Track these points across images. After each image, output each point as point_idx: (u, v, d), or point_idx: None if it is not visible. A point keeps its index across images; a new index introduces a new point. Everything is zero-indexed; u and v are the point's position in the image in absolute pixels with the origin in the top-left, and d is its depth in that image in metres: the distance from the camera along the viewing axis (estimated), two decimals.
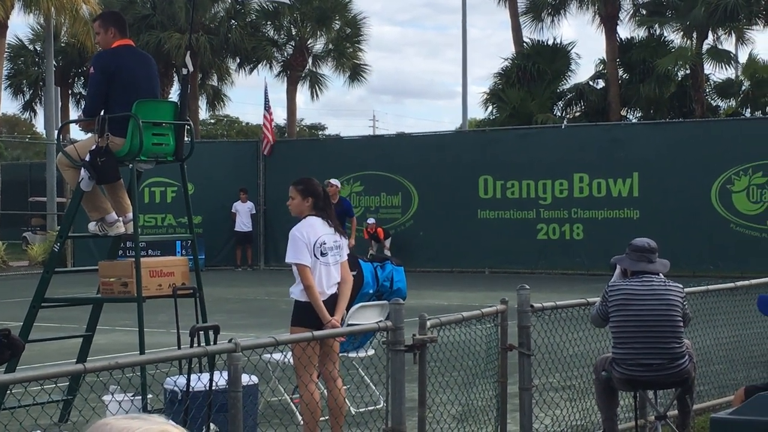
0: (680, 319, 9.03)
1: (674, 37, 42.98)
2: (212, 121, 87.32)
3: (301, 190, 9.74)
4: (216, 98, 51.62)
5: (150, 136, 10.26)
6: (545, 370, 9.92)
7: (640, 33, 43.83)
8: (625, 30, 53.17)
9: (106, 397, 8.82)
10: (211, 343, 8.52)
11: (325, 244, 9.43)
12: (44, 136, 48.81)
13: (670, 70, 41.65)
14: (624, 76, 43.66)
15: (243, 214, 34.05)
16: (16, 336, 8.71)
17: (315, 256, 9.37)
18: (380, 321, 9.81)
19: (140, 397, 9.37)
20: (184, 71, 10.92)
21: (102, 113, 10.19)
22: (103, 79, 10.24)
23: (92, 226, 10.61)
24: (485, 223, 32.01)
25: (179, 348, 9.39)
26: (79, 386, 10.21)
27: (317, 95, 48.41)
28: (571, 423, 9.98)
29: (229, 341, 6.56)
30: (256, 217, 34.49)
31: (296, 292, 9.44)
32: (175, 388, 8.60)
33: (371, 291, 11.78)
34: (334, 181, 23.20)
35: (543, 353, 9.49)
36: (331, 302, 9.44)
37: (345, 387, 10.12)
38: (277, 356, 10.23)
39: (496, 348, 8.90)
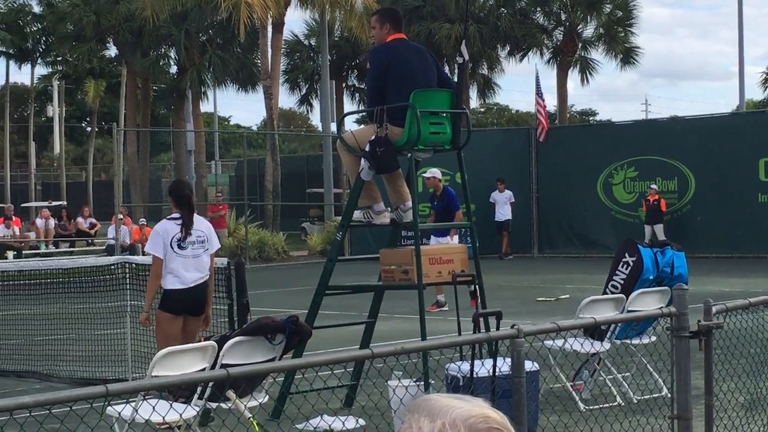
0: None
1: None
2: (482, 109, 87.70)
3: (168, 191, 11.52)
4: (486, 87, 51.79)
5: (427, 125, 10.39)
6: None
7: None
8: None
9: (392, 382, 9.00)
10: (493, 329, 8.56)
11: (184, 239, 10.67)
12: (320, 129, 50.14)
13: None
14: None
15: (500, 204, 33.93)
16: (303, 323, 9.03)
17: (172, 248, 10.62)
18: (662, 307, 9.64)
19: (423, 383, 9.50)
20: (460, 60, 11.01)
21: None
22: (380, 72, 10.45)
23: (358, 214, 10.82)
24: (766, 207, 30.95)
25: (460, 334, 9.49)
26: (367, 372, 10.45)
27: (588, 81, 47.99)
28: None
29: (512, 327, 6.57)
30: (515, 206, 34.15)
31: (163, 281, 10.76)
32: (458, 374, 8.69)
33: (651, 277, 11.59)
34: (432, 171, 20.04)
35: None
36: (193, 292, 10.69)
37: (626, 374, 10.00)
38: (559, 342, 10.18)
39: None
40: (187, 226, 10.70)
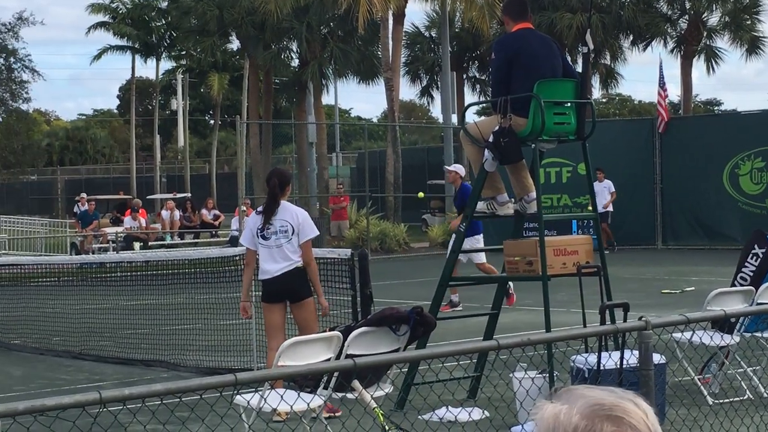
0: None
1: None
2: (603, 100, 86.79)
3: None
4: (609, 77, 51.16)
5: (552, 116, 10.30)
6: None
7: None
8: None
9: (517, 374, 8.95)
10: (620, 321, 8.45)
11: (267, 229, 10.77)
12: (440, 120, 50.07)
13: None
14: None
15: (599, 194, 32.99)
16: (428, 314, 9.03)
17: (257, 239, 10.81)
18: None
19: (548, 374, 9.43)
20: (584, 49, 10.91)
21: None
22: (503, 63, 10.40)
23: (481, 205, 10.77)
24: None
25: (585, 326, 9.39)
26: (492, 363, 10.41)
27: (713, 70, 47.09)
28: None
29: (640, 319, 6.48)
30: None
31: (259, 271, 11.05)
32: (584, 366, 8.60)
33: None
34: (455, 167, 19.16)
35: None
36: (283, 279, 10.74)
37: (757, 368, 9.81)
38: (687, 335, 10.02)
39: None
40: (266, 217, 10.84)
